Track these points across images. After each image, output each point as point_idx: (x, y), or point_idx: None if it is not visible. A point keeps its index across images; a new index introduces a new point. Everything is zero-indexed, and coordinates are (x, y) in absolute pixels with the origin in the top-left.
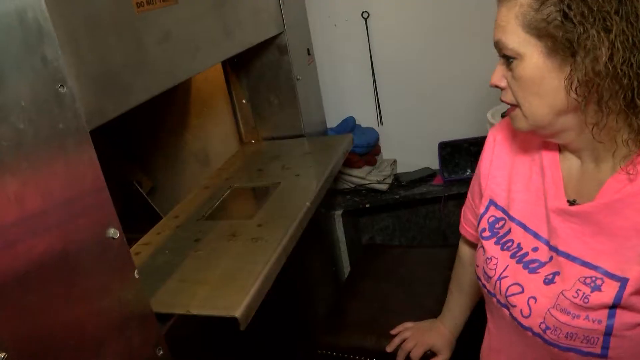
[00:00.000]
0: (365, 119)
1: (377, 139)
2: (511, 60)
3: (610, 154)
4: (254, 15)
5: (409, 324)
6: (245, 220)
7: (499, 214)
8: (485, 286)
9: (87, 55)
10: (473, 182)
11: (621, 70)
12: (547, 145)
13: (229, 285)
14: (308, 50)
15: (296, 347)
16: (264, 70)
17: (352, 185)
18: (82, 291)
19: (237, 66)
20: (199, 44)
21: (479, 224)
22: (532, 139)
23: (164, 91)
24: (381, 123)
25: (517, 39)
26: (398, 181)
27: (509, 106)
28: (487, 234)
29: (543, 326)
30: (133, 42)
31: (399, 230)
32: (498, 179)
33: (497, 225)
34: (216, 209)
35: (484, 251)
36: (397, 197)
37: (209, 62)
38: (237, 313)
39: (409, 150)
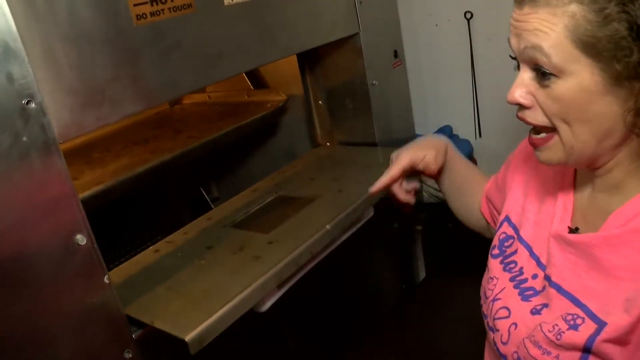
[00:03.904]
0: (463, 129)
1: (471, 153)
2: (548, 76)
3: (627, 184)
4: (310, 17)
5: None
6: (261, 233)
7: (510, 232)
8: (482, 306)
9: (66, 71)
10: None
11: None
12: (564, 167)
13: (201, 304)
14: (395, 52)
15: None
16: (339, 72)
17: (439, 200)
18: (38, 290)
19: (313, 66)
20: (223, 51)
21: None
22: None
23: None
24: (479, 135)
25: (564, 54)
26: None
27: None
28: (496, 252)
29: (516, 356)
30: (126, 55)
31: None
32: (516, 193)
33: (506, 244)
34: (248, 216)
35: (489, 270)
36: None
37: (238, 69)
38: (188, 337)
39: None
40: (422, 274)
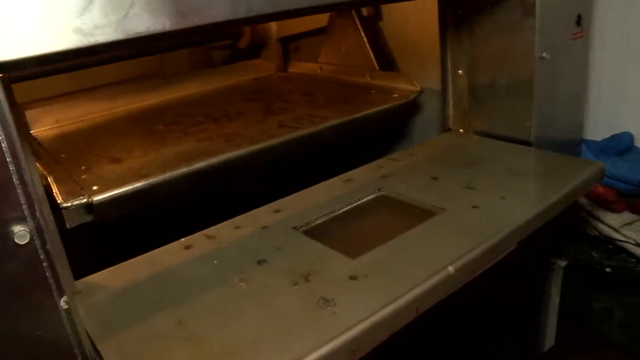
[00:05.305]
0: None
1: None
2: None
3: None
4: None
5: None
6: (343, 255)
7: None
8: None
9: None
10: None
11: None
12: None
13: None
14: (579, 17)
15: None
16: (495, 34)
17: (598, 233)
18: None
19: (459, 22)
20: None
21: None
22: None
23: None
24: None
25: None
26: None
27: None
28: None
29: None
30: None
31: None
32: None
33: None
34: (331, 220)
35: None
36: None
37: None
38: None
39: None
40: (552, 340)
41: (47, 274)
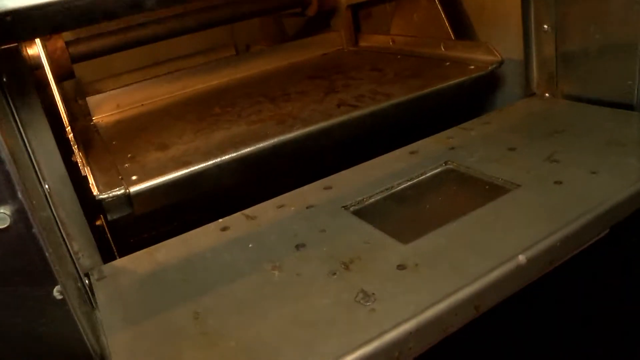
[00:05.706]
0: None
1: None
2: None
3: None
4: None
5: None
6: (395, 240)
7: None
8: None
9: None
10: None
11: None
12: None
13: None
14: None
15: None
16: None
17: None
18: None
19: None
20: None
21: None
22: None
23: None
24: None
25: None
26: None
27: None
28: None
29: None
30: None
31: None
32: None
33: None
34: (387, 198)
35: None
36: None
37: None
38: None
39: None
40: None
41: (36, 261)
